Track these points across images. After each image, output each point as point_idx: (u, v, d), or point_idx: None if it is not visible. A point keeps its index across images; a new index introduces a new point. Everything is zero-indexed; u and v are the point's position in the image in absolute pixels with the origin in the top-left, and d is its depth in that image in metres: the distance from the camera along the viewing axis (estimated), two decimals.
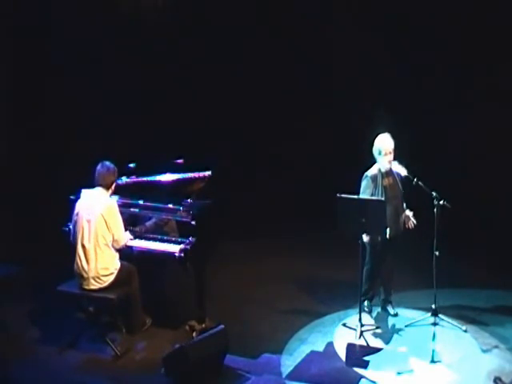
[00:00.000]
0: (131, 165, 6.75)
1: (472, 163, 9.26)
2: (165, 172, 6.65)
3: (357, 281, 6.62)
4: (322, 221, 7.38)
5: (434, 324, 6.65)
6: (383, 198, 6.47)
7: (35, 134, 9.63)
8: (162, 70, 9.97)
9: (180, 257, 6.31)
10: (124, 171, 6.63)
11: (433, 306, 6.65)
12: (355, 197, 6.42)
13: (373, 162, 6.68)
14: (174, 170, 6.67)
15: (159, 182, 6.66)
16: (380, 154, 6.59)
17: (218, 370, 5.96)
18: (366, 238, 6.54)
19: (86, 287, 6.21)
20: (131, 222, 6.59)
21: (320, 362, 6.14)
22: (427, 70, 9.49)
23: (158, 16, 10.23)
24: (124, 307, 6.42)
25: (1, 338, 6.55)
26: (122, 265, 6.31)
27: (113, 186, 6.35)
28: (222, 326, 6.07)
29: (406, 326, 6.69)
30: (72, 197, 6.50)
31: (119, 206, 6.39)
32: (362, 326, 6.47)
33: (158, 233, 6.60)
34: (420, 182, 6.43)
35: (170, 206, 6.52)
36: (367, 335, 6.50)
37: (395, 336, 6.57)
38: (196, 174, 6.74)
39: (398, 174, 6.68)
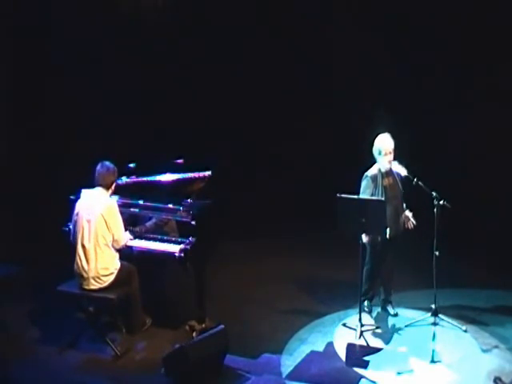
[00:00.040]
0: (131, 165, 6.74)
1: (472, 163, 9.25)
2: (165, 172, 6.65)
3: (357, 281, 6.62)
4: (321, 221, 7.37)
5: (434, 324, 6.65)
6: (383, 198, 6.46)
7: (35, 134, 9.62)
8: (162, 69, 9.96)
9: (180, 257, 6.31)
10: (124, 171, 6.63)
11: (433, 306, 6.64)
12: (355, 197, 6.42)
13: (373, 161, 6.68)
14: (173, 170, 6.66)
15: (159, 181, 6.65)
16: (380, 153, 6.59)
17: (218, 369, 5.95)
18: (365, 238, 6.54)
19: (86, 287, 6.21)
20: (131, 222, 6.59)
21: (320, 362, 6.13)
22: (427, 70, 9.48)
23: (158, 16, 10.22)
24: (124, 307, 6.42)
25: (1, 338, 6.54)
26: (122, 265, 6.31)
27: (113, 186, 6.34)
28: (222, 326, 6.06)
29: (405, 326, 6.69)
30: (72, 197, 6.50)
31: (119, 206, 6.38)
32: (362, 325, 6.47)
33: (158, 233, 6.59)
34: (420, 182, 6.43)
35: (170, 206, 6.51)
36: (367, 335, 6.49)
37: (395, 336, 6.57)
38: (196, 174, 6.73)
39: (398, 174, 6.68)
